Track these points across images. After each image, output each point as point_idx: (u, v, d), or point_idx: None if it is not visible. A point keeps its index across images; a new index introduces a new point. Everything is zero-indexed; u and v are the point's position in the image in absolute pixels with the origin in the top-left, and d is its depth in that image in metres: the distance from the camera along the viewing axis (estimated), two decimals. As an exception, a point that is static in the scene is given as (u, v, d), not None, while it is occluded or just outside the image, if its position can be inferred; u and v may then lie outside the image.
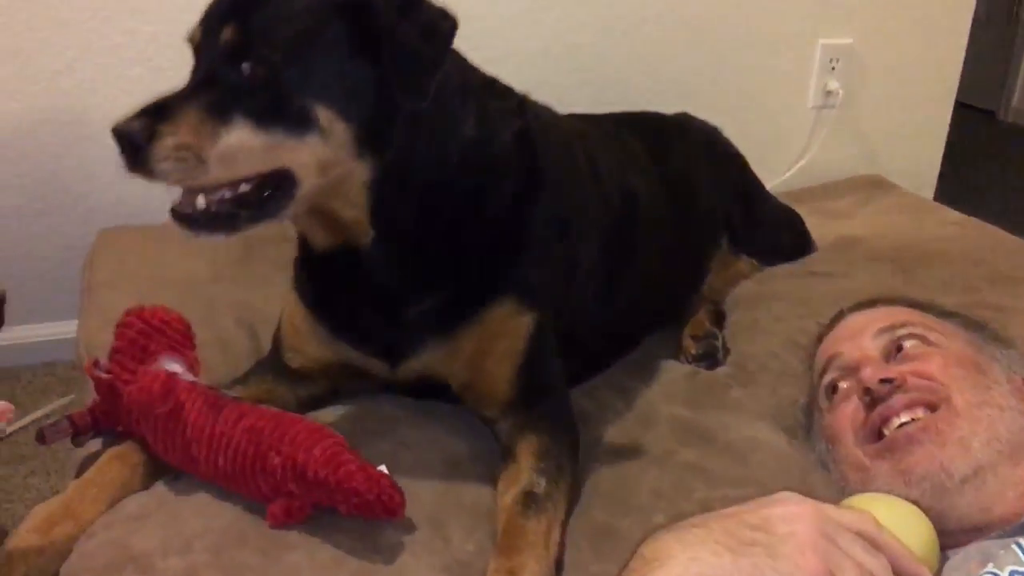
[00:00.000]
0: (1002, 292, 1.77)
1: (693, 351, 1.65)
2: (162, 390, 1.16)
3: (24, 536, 1.14)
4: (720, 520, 0.81)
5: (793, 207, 2.13)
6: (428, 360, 1.35)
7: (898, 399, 1.14)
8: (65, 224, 2.06)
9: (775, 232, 2.01)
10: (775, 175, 2.54)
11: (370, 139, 1.17)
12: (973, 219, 2.26)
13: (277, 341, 1.45)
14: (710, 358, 1.63)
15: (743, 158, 2.02)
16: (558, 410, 1.36)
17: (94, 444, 1.30)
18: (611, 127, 1.81)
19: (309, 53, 1.13)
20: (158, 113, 1.07)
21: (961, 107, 2.87)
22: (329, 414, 1.39)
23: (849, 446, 1.19)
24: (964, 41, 2.71)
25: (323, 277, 1.38)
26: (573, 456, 1.30)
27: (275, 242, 1.87)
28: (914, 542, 0.97)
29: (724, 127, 2.03)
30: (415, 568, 1.11)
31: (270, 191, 1.14)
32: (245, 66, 1.11)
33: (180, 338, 1.29)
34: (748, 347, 1.65)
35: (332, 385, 1.43)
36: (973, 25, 2.74)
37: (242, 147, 1.10)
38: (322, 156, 1.14)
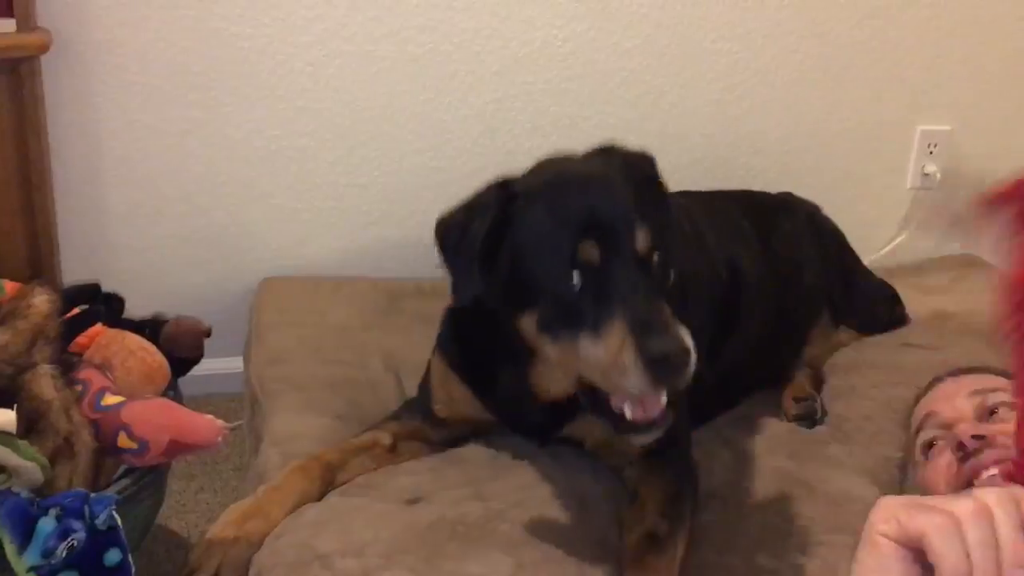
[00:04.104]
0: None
1: (793, 411, 1.75)
2: None
3: (222, 528, 1.32)
4: None
5: (888, 282, 2.19)
6: (571, 432, 1.48)
7: (988, 454, 1.23)
8: (226, 273, 2.32)
9: (873, 305, 2.07)
10: (872, 251, 2.60)
11: None
12: (1065, 301, 2.31)
13: (425, 392, 1.57)
14: (809, 418, 1.73)
15: (843, 235, 2.09)
16: (681, 460, 1.46)
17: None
18: (718, 204, 1.91)
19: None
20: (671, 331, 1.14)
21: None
22: (469, 449, 1.53)
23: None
24: (1060, 130, 2.76)
25: (488, 370, 1.47)
26: (693, 501, 1.40)
27: (412, 296, 2.07)
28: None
29: (826, 205, 2.11)
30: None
31: None
32: (655, 259, 1.21)
33: None
34: (845, 410, 1.73)
35: (474, 431, 1.56)
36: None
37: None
38: None
